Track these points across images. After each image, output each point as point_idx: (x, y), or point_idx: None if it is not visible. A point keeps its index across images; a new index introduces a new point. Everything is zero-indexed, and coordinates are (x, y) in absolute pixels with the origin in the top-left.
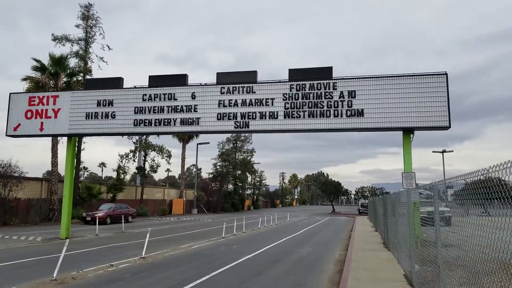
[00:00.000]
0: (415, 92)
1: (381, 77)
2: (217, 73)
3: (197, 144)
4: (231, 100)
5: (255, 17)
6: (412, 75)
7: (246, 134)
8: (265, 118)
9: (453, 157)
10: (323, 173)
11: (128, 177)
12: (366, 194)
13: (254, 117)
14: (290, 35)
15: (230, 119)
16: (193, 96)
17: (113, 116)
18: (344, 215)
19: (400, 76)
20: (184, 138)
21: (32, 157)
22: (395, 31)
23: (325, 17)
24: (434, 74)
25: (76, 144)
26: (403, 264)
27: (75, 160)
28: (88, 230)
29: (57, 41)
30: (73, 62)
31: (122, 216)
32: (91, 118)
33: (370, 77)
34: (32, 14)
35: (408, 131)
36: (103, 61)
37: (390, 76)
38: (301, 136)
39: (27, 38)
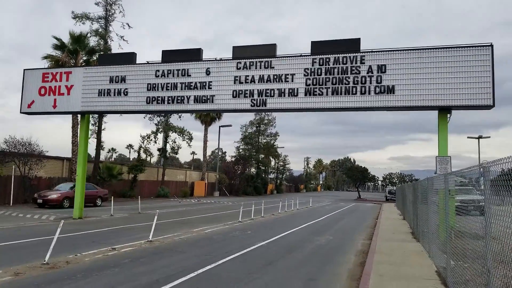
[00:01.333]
0: (454, 67)
1: (415, 49)
2: (233, 47)
3: (219, 126)
4: (248, 76)
5: None
6: (451, 47)
7: (270, 117)
8: (284, 96)
9: (487, 145)
10: (350, 159)
11: (154, 159)
12: (394, 181)
13: (272, 95)
14: (319, 18)
15: (246, 96)
16: (208, 72)
17: (125, 93)
18: (370, 201)
19: (437, 48)
20: (207, 120)
21: (63, 137)
22: (428, 11)
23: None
24: (477, 46)
25: (94, 123)
26: (435, 258)
27: (96, 139)
28: (103, 210)
29: (77, 19)
30: (93, 41)
31: (87, 198)
32: (104, 95)
33: (402, 50)
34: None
35: (444, 111)
36: (123, 39)
37: (425, 49)
38: (328, 121)
39: (60, 22)
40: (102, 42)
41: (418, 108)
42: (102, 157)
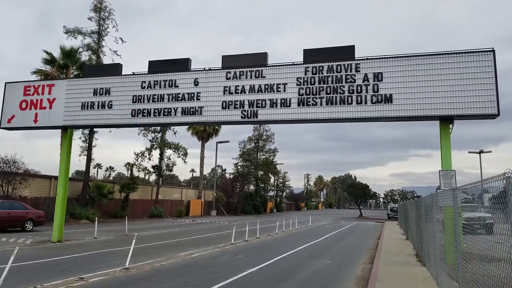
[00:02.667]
0: (456, 74)
1: (412, 56)
2: (222, 56)
3: (217, 142)
4: (238, 86)
5: (283, 17)
6: (451, 53)
7: (268, 133)
8: (276, 106)
9: (488, 160)
10: (351, 175)
11: (153, 177)
12: (396, 198)
13: (263, 106)
14: (318, 35)
15: (237, 107)
16: (196, 83)
17: (110, 106)
18: (372, 219)
19: (436, 54)
20: (203, 136)
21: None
22: (426, 27)
23: (355, 17)
24: (479, 51)
25: (85, 139)
26: (443, 286)
27: (86, 157)
28: (86, 232)
29: (69, 34)
30: (85, 55)
31: (12, 220)
32: (87, 108)
33: (399, 57)
34: (67, 19)
35: (446, 120)
36: (116, 54)
37: (423, 55)
38: (328, 137)
39: (60, 40)
40: (94, 57)
41: (418, 118)
42: (100, 176)
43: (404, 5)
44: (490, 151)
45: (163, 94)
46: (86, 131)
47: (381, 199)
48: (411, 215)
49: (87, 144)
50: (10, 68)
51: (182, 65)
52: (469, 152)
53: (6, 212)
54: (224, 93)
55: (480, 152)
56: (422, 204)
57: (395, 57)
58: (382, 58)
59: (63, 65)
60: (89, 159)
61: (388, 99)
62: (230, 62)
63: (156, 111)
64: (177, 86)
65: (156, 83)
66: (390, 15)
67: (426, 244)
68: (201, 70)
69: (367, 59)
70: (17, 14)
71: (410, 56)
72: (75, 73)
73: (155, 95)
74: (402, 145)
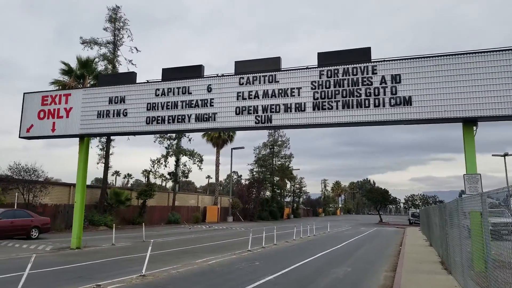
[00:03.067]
0: (479, 73)
1: (432, 56)
2: (235, 61)
3: (231, 149)
4: (251, 91)
5: (297, 24)
6: (474, 53)
7: (283, 138)
8: (291, 111)
9: None
10: (369, 181)
11: (169, 184)
12: (417, 203)
13: (277, 110)
14: (333, 40)
15: (250, 113)
16: (209, 89)
17: (124, 114)
18: (392, 225)
19: (457, 54)
20: (218, 143)
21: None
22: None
23: (369, 21)
24: (503, 50)
25: (102, 147)
26: None
27: (104, 164)
28: (104, 239)
29: (85, 44)
30: (101, 65)
31: (15, 228)
32: (103, 116)
33: (418, 57)
34: (85, 31)
35: (470, 122)
36: (131, 63)
37: (443, 55)
38: (345, 142)
39: (78, 52)
40: (110, 66)
41: (440, 120)
42: (118, 183)
43: (420, 6)
44: None
45: (177, 101)
46: (104, 139)
47: (402, 204)
48: (434, 220)
49: (105, 152)
50: (31, 80)
51: (195, 72)
52: (493, 155)
53: (10, 222)
54: (237, 99)
55: (505, 155)
56: (446, 209)
57: (414, 58)
58: (400, 59)
59: (80, 75)
60: (106, 167)
61: (407, 101)
62: (243, 67)
63: (170, 118)
64: (190, 93)
65: (169, 90)
66: (406, 17)
67: (451, 251)
68: (214, 76)
69: (384, 61)
70: (38, 27)
71: (430, 57)
72: (92, 82)
73: (168, 102)
74: (422, 148)
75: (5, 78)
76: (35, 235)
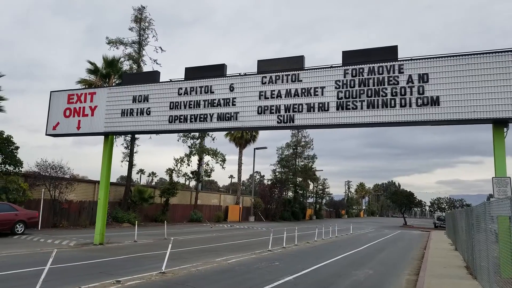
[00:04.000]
0: (510, 73)
1: (461, 55)
2: (258, 60)
3: (254, 149)
4: (274, 91)
5: (322, 23)
6: (504, 51)
7: (307, 139)
8: (314, 111)
9: None
10: (394, 183)
11: (193, 183)
12: (443, 206)
13: (300, 110)
14: (358, 40)
15: (273, 112)
16: (231, 88)
17: (148, 113)
18: (417, 228)
19: (487, 52)
20: (241, 143)
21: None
22: (473, 29)
23: (397, 20)
24: None
25: (127, 146)
26: None
27: (128, 162)
28: (127, 235)
29: (111, 44)
30: (126, 65)
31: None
32: (127, 115)
33: (447, 56)
34: (112, 31)
35: (500, 124)
36: (156, 63)
37: (473, 54)
38: (370, 143)
39: (106, 52)
40: (135, 66)
41: (469, 121)
42: (143, 181)
43: (449, 5)
44: None
45: (199, 100)
46: (128, 138)
47: (427, 207)
48: (460, 224)
49: (129, 150)
50: (60, 80)
51: (218, 71)
52: None
53: None
54: (259, 98)
55: None
56: (473, 213)
57: (442, 57)
58: (428, 58)
59: (106, 74)
60: (131, 165)
61: (435, 101)
62: (265, 66)
63: (193, 117)
64: (213, 92)
65: (192, 89)
66: (435, 16)
67: (477, 256)
68: (237, 76)
69: (411, 59)
70: (67, 28)
71: (458, 56)
72: (117, 81)
73: (191, 101)
74: (450, 151)
75: (37, 78)
76: (20, 230)
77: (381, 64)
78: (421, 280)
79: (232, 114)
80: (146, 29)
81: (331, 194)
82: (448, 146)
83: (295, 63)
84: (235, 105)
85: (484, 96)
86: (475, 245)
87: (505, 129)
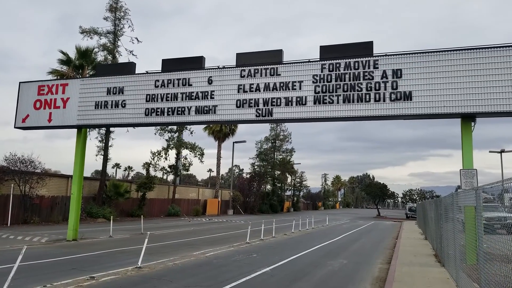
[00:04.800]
0: (478, 70)
1: (434, 52)
2: (236, 53)
3: (233, 142)
4: (252, 84)
5: (303, 18)
6: (474, 48)
7: (285, 133)
8: (292, 105)
9: (509, 160)
10: (369, 175)
11: (171, 177)
12: (414, 197)
13: (278, 104)
14: (338, 36)
15: (251, 106)
16: (210, 81)
17: (123, 105)
18: (390, 219)
19: (458, 50)
20: (220, 136)
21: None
22: (448, 27)
23: (376, 17)
24: (504, 46)
25: (101, 139)
26: None
27: (103, 156)
28: (102, 231)
29: (85, 34)
30: (101, 55)
31: None
32: (101, 107)
33: (419, 52)
34: (87, 21)
35: (468, 118)
36: (132, 54)
37: (444, 51)
38: (346, 138)
39: (80, 42)
40: (110, 57)
41: (439, 116)
42: (119, 176)
43: (426, 4)
44: None
45: (177, 93)
46: (103, 131)
47: (400, 199)
48: (430, 214)
49: (104, 144)
50: (32, 71)
51: (196, 63)
52: (490, 152)
53: None
54: (238, 92)
55: (502, 151)
56: (442, 204)
57: (415, 53)
58: (401, 54)
59: (79, 65)
60: (105, 159)
61: (408, 96)
62: (244, 60)
63: (170, 110)
64: (191, 85)
65: (169, 81)
66: (412, 14)
67: (445, 245)
68: (215, 68)
69: (386, 55)
70: (40, 18)
71: (431, 52)
72: (91, 73)
73: (168, 94)
74: (422, 144)
75: (5, 68)
76: None
77: (357, 60)
78: (393, 268)
79: (211, 107)
80: (122, 19)
81: (309, 186)
82: (420, 140)
83: (274, 57)
84: (213, 98)
85: (454, 92)
86: (443, 234)
87: (472, 124)
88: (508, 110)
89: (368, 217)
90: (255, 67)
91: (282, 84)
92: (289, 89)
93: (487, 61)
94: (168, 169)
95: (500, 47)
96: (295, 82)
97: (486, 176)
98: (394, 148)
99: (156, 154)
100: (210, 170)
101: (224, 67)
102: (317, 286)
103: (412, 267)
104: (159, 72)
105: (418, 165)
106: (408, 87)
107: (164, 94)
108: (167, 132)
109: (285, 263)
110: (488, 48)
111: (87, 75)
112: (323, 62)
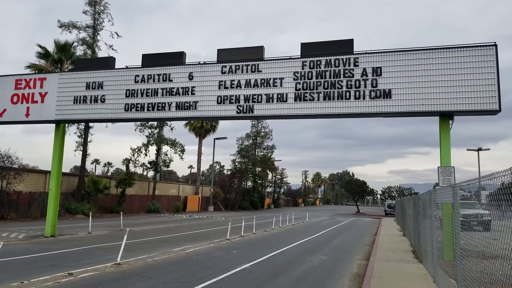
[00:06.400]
0: (456, 68)
1: (412, 50)
2: (218, 49)
3: (214, 139)
4: (234, 80)
5: (286, 16)
6: (452, 48)
7: (266, 130)
8: (272, 101)
9: (487, 158)
10: (349, 172)
11: (151, 173)
12: (393, 194)
13: (259, 101)
14: (321, 34)
15: (232, 102)
16: (191, 77)
17: (102, 100)
18: (369, 216)
19: (437, 48)
20: (201, 133)
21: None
22: (429, 26)
23: (358, 16)
24: (481, 46)
25: (80, 134)
26: (441, 284)
27: (82, 152)
28: (81, 227)
29: (63, 28)
30: (80, 50)
31: None
32: (80, 102)
33: (399, 51)
34: (68, 15)
35: (446, 116)
36: (112, 49)
37: (423, 49)
38: (327, 135)
39: (57, 35)
40: (89, 51)
41: (418, 114)
42: (98, 172)
43: (407, 3)
44: (489, 149)
45: (157, 89)
46: (82, 126)
47: (379, 196)
48: (408, 211)
49: (83, 139)
50: (10, 64)
51: (177, 58)
52: (467, 150)
53: None
54: (219, 88)
55: (479, 149)
56: (420, 201)
57: (395, 52)
58: (381, 52)
59: (58, 59)
60: (84, 155)
61: (387, 94)
62: (226, 56)
63: (150, 105)
64: (171, 80)
65: (149, 77)
66: (393, 13)
67: (423, 241)
68: (196, 64)
69: (366, 53)
70: (19, 10)
71: (410, 51)
72: (70, 67)
73: (148, 89)
74: (401, 142)
75: None
76: None
77: (337, 57)
78: (371, 264)
79: (191, 103)
80: (101, 13)
81: (289, 183)
82: (399, 137)
83: (255, 53)
84: (194, 94)
85: (432, 90)
86: (421, 231)
87: (450, 122)
88: (484, 108)
89: (347, 214)
90: (236, 64)
91: (263, 81)
92: (270, 86)
93: (465, 60)
94: (148, 165)
95: (475, 46)
96: (276, 79)
97: (463, 174)
98: (374, 145)
99: (136, 150)
100: (191, 167)
101: (205, 63)
102: (296, 282)
103: (390, 263)
104: (139, 68)
105: (397, 162)
106: (388, 85)
107: (144, 89)
108: (147, 128)
109: (265, 259)
110: (465, 47)
111: (66, 70)
112: (304, 59)
